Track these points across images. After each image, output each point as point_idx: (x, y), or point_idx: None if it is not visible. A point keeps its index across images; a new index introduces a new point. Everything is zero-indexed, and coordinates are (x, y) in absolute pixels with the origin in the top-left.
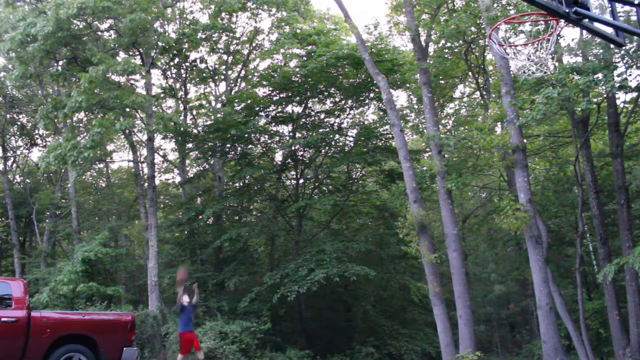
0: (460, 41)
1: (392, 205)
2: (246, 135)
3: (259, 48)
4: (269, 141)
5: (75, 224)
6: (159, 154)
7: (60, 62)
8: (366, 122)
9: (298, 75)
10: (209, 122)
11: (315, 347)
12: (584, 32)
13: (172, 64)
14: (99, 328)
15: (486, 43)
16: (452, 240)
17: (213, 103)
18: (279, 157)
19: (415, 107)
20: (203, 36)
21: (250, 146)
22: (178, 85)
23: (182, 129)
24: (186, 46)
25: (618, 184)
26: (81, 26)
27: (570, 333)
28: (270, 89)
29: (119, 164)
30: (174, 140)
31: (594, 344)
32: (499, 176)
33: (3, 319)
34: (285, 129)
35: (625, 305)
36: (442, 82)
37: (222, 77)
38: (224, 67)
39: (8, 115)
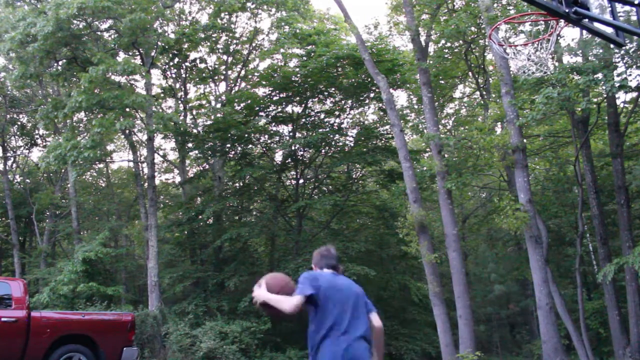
0: (460, 41)
1: (392, 205)
2: (246, 135)
3: (259, 48)
4: (269, 141)
5: (75, 224)
6: (159, 154)
7: (60, 62)
8: (366, 122)
9: (298, 75)
10: (209, 122)
11: None
12: (584, 32)
13: (172, 64)
14: (99, 328)
15: (486, 43)
16: (452, 240)
17: (213, 103)
18: (279, 157)
19: (415, 107)
20: (203, 36)
21: (250, 146)
22: (178, 85)
23: (182, 129)
24: (186, 46)
25: (618, 184)
26: (81, 26)
27: (570, 333)
28: (270, 89)
29: (119, 164)
30: (174, 140)
31: (594, 344)
32: (499, 176)
33: (3, 319)
34: (285, 129)
35: (625, 305)
36: (442, 82)
37: (222, 77)
38: (223, 67)
39: (8, 115)
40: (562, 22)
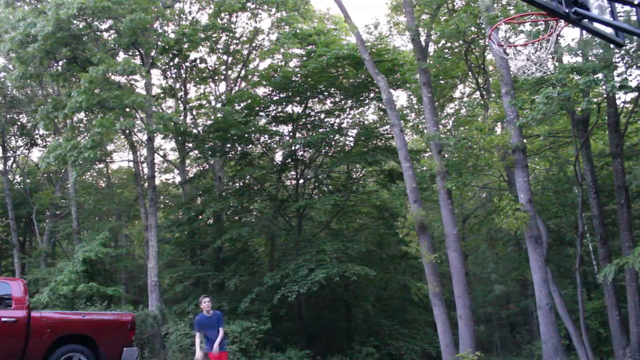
0: (460, 41)
1: (392, 205)
2: (246, 135)
3: (259, 48)
4: (269, 141)
5: (75, 224)
6: (159, 154)
7: (60, 62)
8: (366, 122)
9: (298, 75)
10: (209, 122)
11: (315, 347)
12: (584, 32)
13: (172, 64)
14: (99, 328)
15: (486, 43)
16: (452, 240)
17: (213, 103)
18: (279, 157)
19: (415, 107)
20: (202, 36)
21: (250, 146)
22: (178, 85)
23: (182, 128)
24: (186, 46)
25: (618, 184)
26: (81, 26)
27: (570, 333)
28: (270, 89)
29: (119, 164)
30: (174, 140)
31: (594, 344)
32: (499, 176)
33: (3, 319)
34: (285, 129)
35: (625, 305)
36: (442, 82)
37: (222, 77)
38: (224, 67)
39: (8, 115)
40: (562, 22)
